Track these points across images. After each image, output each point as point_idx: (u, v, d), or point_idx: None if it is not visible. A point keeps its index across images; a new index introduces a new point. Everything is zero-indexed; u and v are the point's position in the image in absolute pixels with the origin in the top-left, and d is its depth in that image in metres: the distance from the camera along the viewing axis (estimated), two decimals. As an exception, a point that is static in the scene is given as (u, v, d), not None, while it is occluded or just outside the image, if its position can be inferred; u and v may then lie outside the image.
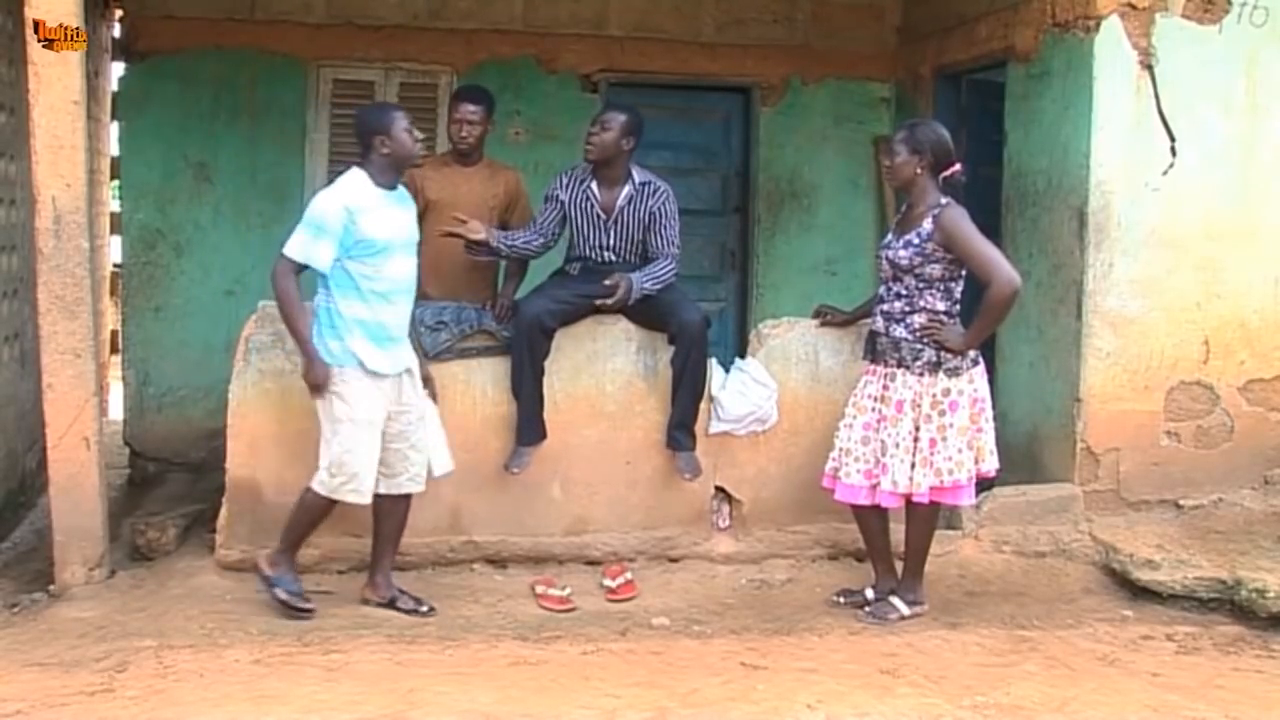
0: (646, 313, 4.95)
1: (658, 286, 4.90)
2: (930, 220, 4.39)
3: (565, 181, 5.04)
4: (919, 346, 4.42)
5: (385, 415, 4.36)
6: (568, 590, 4.73)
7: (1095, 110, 5.33)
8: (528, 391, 4.84)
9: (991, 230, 6.15)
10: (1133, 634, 4.44)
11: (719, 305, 7.46)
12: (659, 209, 4.97)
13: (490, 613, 4.54)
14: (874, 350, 4.60)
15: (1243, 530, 5.23)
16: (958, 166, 4.48)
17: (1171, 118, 5.40)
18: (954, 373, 4.41)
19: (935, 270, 4.41)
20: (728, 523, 5.15)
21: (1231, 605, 4.64)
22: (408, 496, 4.54)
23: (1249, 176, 5.53)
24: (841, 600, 4.69)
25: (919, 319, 4.43)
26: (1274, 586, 4.55)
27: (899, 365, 4.46)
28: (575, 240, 5.07)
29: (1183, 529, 5.27)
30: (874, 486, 4.51)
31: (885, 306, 4.54)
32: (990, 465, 4.54)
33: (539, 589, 4.73)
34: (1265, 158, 5.54)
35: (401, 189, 4.47)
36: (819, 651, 4.18)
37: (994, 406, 5.99)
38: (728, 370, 5.11)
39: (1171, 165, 5.42)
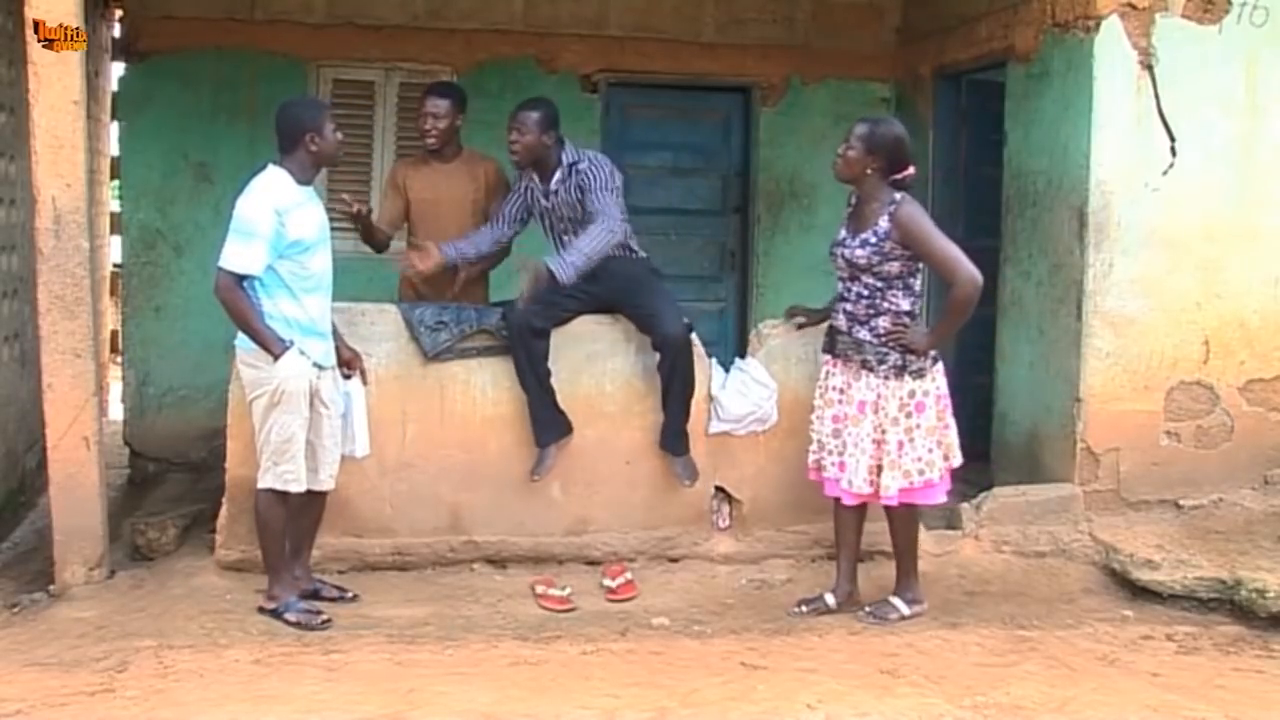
0: (627, 316, 4.95)
1: (584, 261, 4.67)
2: (886, 217, 4.32)
3: (520, 176, 5.07)
4: (884, 350, 4.37)
5: (309, 406, 4.33)
6: (568, 590, 4.73)
7: (1095, 110, 5.33)
8: (534, 392, 4.85)
9: (992, 230, 6.18)
10: (1133, 634, 4.44)
11: (719, 305, 7.47)
12: (585, 178, 4.88)
13: (490, 613, 4.54)
14: (833, 346, 4.56)
15: (1243, 530, 5.22)
16: (911, 170, 4.40)
17: (1171, 118, 5.39)
18: (919, 374, 4.37)
19: (894, 268, 4.35)
20: (728, 523, 5.15)
21: (1231, 605, 4.63)
22: (324, 495, 4.52)
23: (1249, 177, 5.52)
24: (803, 609, 4.59)
25: (883, 322, 4.37)
26: (1274, 586, 4.55)
27: (862, 366, 4.42)
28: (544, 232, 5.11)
29: (1183, 529, 5.26)
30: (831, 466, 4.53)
31: (848, 306, 4.47)
32: (957, 460, 4.52)
33: (539, 589, 4.73)
34: (1265, 158, 5.53)
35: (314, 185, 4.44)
36: (819, 651, 4.18)
37: (994, 406, 6.06)
38: (728, 370, 5.11)
39: (1171, 165, 5.42)
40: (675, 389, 4.88)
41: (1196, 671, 4.10)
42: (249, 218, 4.19)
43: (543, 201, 5.01)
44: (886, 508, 4.49)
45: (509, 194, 5.11)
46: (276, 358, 4.20)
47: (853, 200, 4.54)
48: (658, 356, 4.89)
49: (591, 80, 7.08)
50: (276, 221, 4.17)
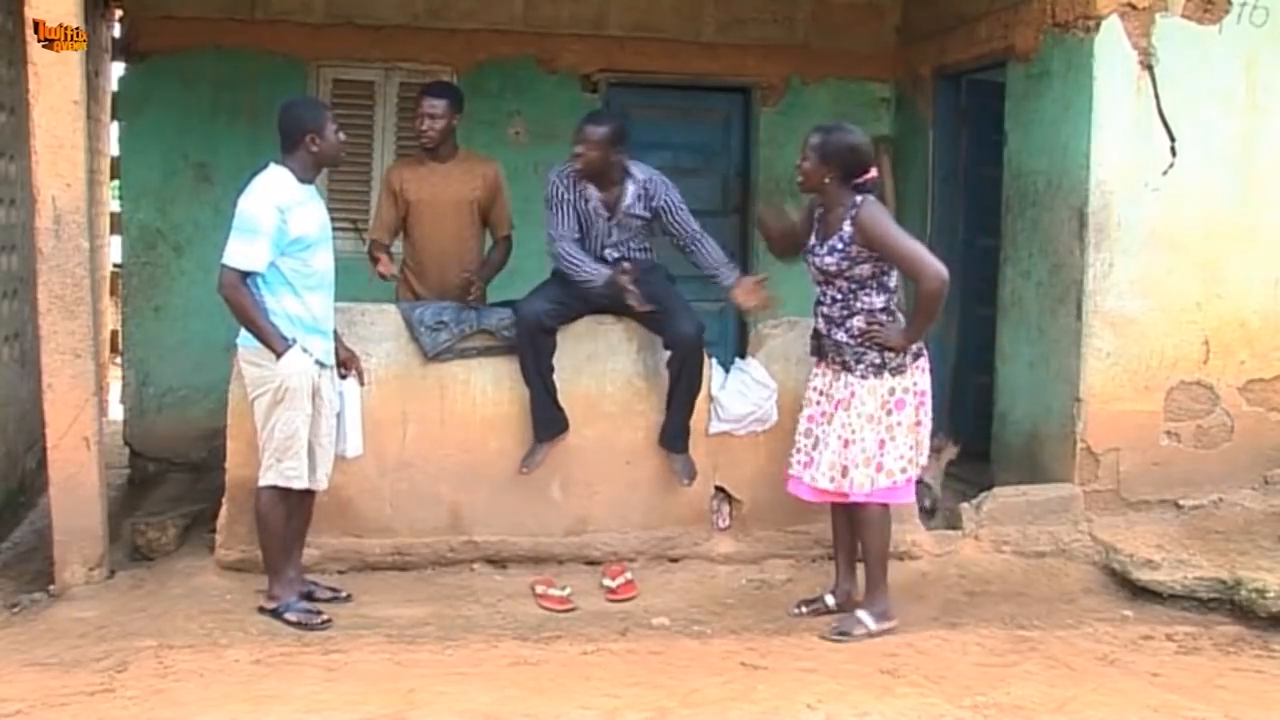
0: (643, 320, 4.95)
1: (726, 256, 5.11)
2: (849, 222, 4.28)
3: (567, 182, 4.99)
4: (861, 350, 4.34)
5: (312, 405, 4.33)
6: (568, 590, 4.73)
7: (1095, 110, 5.33)
8: (537, 388, 4.86)
9: (992, 230, 6.19)
10: (1133, 634, 4.44)
11: (719, 305, 7.45)
12: (665, 204, 4.98)
13: (490, 613, 4.54)
14: (818, 349, 4.55)
15: (1243, 530, 5.22)
16: (872, 173, 4.34)
17: (1171, 118, 5.39)
18: (898, 371, 4.34)
19: (864, 270, 4.32)
20: (728, 523, 5.15)
21: (1231, 605, 4.63)
22: (314, 494, 4.51)
23: (1249, 176, 5.52)
24: (803, 610, 4.58)
25: (858, 322, 4.35)
26: (1274, 586, 4.55)
27: (843, 367, 4.40)
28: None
29: (1183, 529, 5.27)
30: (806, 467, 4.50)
31: (824, 310, 4.45)
32: (922, 458, 4.46)
33: (539, 589, 4.73)
34: (1265, 158, 5.53)
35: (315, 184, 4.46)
36: (819, 651, 4.18)
37: (994, 406, 6.05)
38: (728, 370, 5.11)
39: (1171, 165, 5.42)
40: (682, 388, 4.89)
41: (1196, 671, 4.10)
42: (251, 215, 4.20)
43: (604, 215, 4.97)
44: (856, 509, 4.41)
45: (556, 212, 4.96)
46: (279, 355, 4.21)
47: (818, 210, 4.47)
48: (668, 355, 4.90)
49: (591, 80, 7.07)
50: (279, 219, 4.18)
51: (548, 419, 4.90)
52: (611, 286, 4.81)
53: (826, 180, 4.34)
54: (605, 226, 4.99)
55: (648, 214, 4.99)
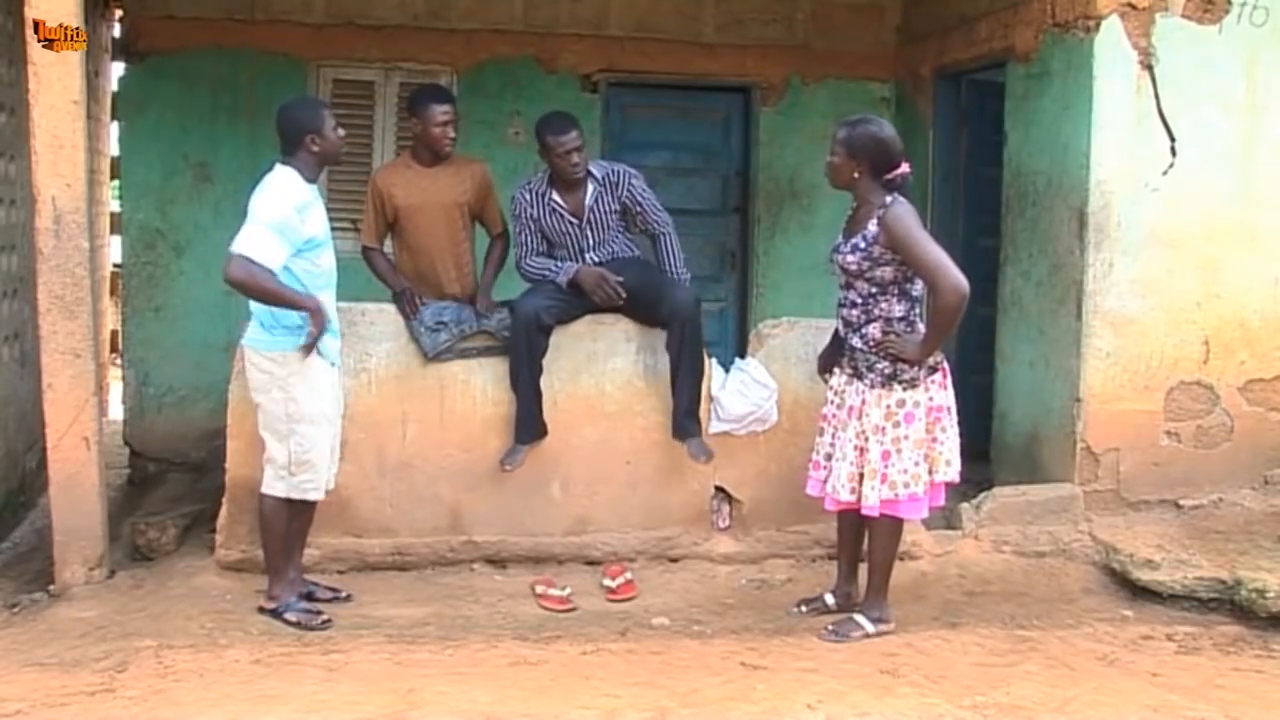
0: (637, 299, 4.93)
1: (685, 266, 5.13)
2: (875, 222, 4.18)
3: (529, 199, 5.04)
4: (873, 358, 4.26)
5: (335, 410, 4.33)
6: (568, 590, 4.73)
7: (1095, 110, 5.33)
8: (525, 389, 4.85)
9: (992, 230, 6.19)
10: (1133, 634, 4.44)
11: (719, 305, 7.47)
12: (630, 192, 5.03)
13: (490, 613, 4.54)
14: (835, 350, 4.51)
15: (1243, 530, 5.22)
16: (904, 168, 4.24)
17: (1171, 118, 5.39)
18: (910, 384, 4.22)
19: (886, 273, 4.21)
20: (728, 523, 5.15)
21: (1231, 605, 4.63)
22: None
23: (1249, 176, 5.52)
24: (803, 609, 4.57)
25: (874, 329, 4.25)
26: (1274, 586, 4.54)
27: (855, 374, 4.34)
28: (556, 249, 5.10)
29: (1183, 529, 5.26)
30: (825, 480, 4.45)
31: (844, 312, 4.37)
32: (945, 475, 4.32)
33: (539, 589, 4.73)
34: (1265, 158, 5.53)
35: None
36: (819, 651, 4.18)
37: (994, 406, 6.05)
38: (728, 370, 5.11)
39: (1171, 165, 5.42)
40: (686, 364, 4.86)
41: (1196, 671, 4.09)
42: (275, 213, 4.14)
43: (574, 222, 5.00)
44: (867, 517, 4.36)
45: (521, 229, 5.05)
46: (309, 311, 4.16)
47: (852, 205, 4.44)
48: (665, 336, 4.88)
49: (591, 80, 7.08)
50: (298, 220, 4.18)
51: (532, 421, 4.89)
52: (586, 279, 4.86)
53: (856, 175, 4.25)
54: (578, 232, 5.01)
55: (618, 207, 5.02)
